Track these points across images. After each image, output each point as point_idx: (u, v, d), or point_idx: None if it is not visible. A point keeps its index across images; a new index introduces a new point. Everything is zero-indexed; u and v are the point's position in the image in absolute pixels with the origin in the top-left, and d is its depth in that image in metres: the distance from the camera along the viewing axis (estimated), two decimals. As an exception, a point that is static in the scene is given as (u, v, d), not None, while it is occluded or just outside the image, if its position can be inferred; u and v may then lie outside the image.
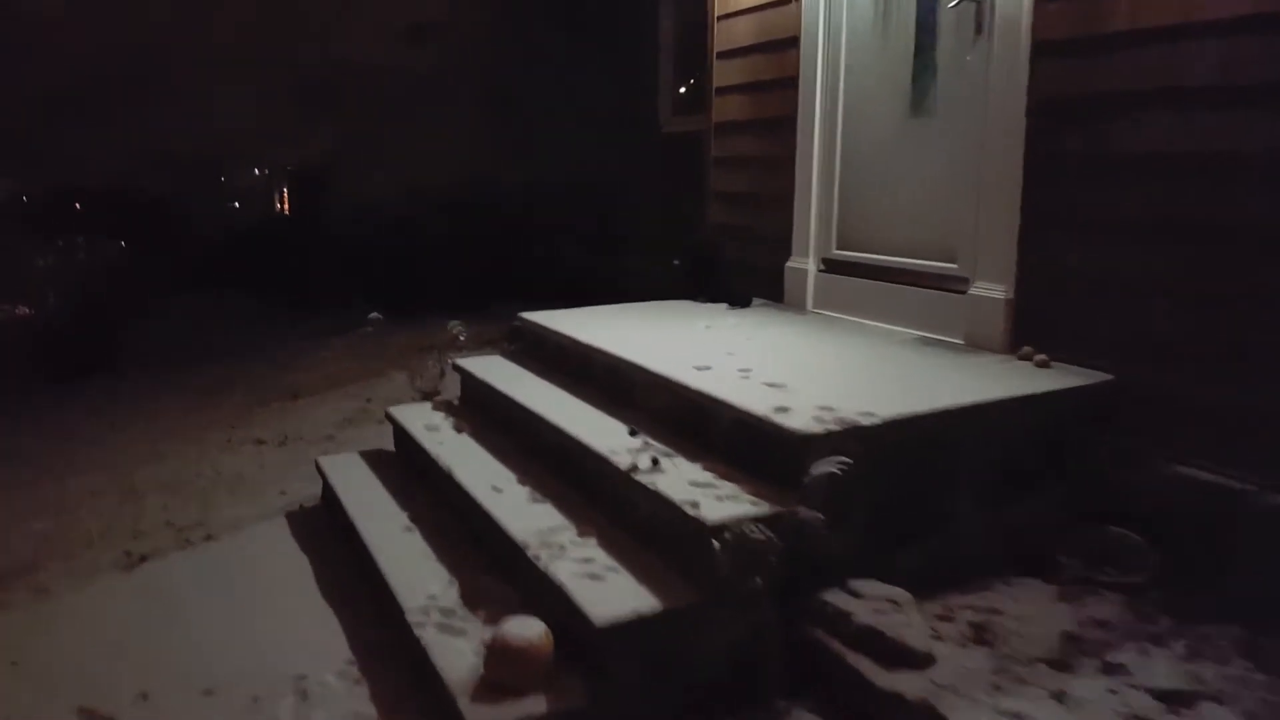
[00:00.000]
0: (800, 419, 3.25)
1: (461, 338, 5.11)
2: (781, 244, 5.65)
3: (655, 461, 3.36)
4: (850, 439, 3.20)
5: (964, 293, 4.49)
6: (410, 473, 4.58)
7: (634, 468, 3.35)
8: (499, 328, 9.16)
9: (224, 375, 8.62)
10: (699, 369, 3.93)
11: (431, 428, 4.63)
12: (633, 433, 3.67)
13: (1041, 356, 4.09)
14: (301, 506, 4.99)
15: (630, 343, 4.42)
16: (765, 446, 3.31)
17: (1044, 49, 4.09)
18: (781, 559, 2.96)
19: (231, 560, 4.28)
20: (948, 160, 4.68)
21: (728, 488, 3.21)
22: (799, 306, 5.51)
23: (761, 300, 5.70)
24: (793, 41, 5.47)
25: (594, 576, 3.07)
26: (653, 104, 8.81)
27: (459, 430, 4.57)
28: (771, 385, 3.68)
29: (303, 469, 5.59)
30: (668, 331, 4.84)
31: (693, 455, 3.50)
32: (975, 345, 4.41)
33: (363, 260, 11.92)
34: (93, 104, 12.18)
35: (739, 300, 5.60)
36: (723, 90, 6.22)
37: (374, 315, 4.97)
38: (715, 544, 2.90)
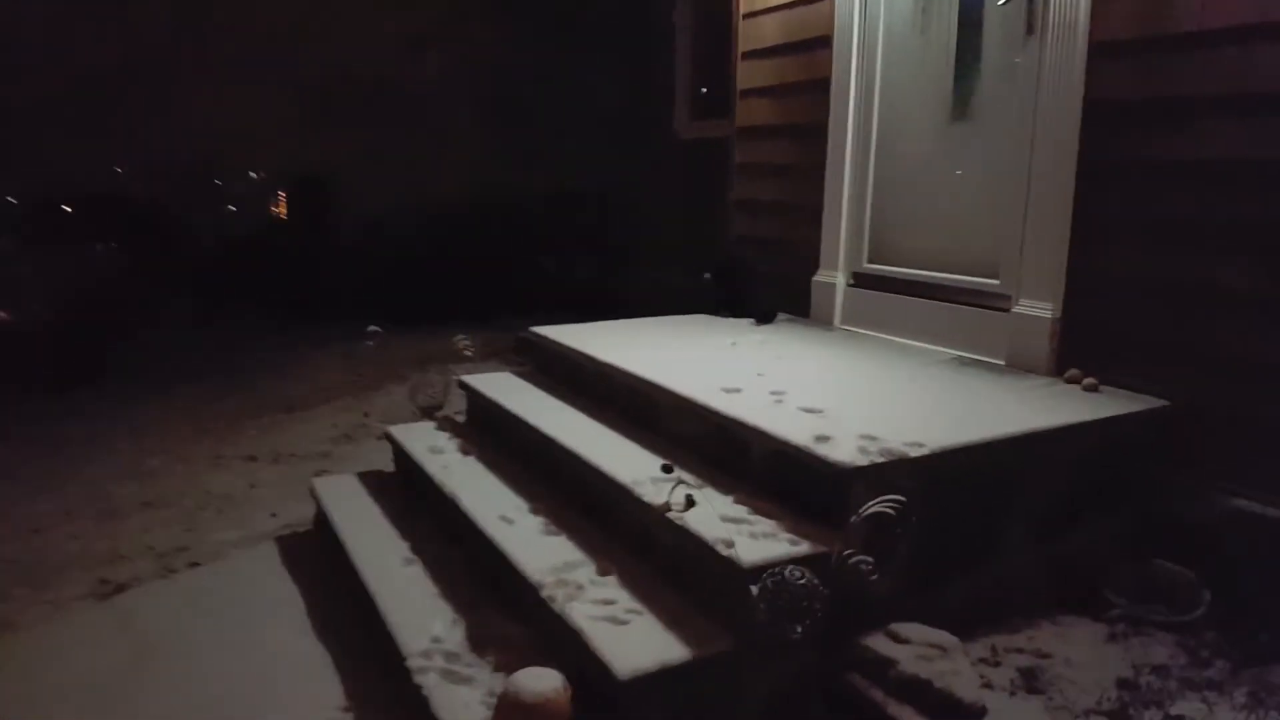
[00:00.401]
0: (844, 450, 2.94)
1: (468, 352, 4.80)
2: (809, 256, 5.34)
3: (690, 501, 3.02)
4: (898, 472, 2.90)
5: (1007, 310, 4.19)
6: (411, 498, 4.26)
7: (667, 507, 3.01)
8: (505, 340, 8.89)
9: (217, 387, 8.30)
10: (728, 391, 3.62)
11: (435, 449, 4.31)
12: (667, 469, 3.31)
13: (1091, 380, 3.80)
14: (294, 531, 4.67)
15: (652, 361, 4.12)
16: (805, 479, 3.00)
17: (1103, 50, 3.79)
18: (825, 603, 2.65)
19: (216, 591, 3.96)
20: (991, 169, 4.38)
21: (764, 524, 2.90)
22: (826, 322, 5.21)
23: (786, 315, 5.39)
24: (824, 41, 5.17)
25: (615, 620, 2.77)
26: (668, 109, 8.49)
27: (465, 453, 4.26)
28: (808, 411, 3.36)
29: (296, 489, 5.27)
30: (691, 349, 4.53)
31: (724, 486, 3.19)
32: (1018, 367, 4.10)
33: (364, 270, 11.65)
34: (88, 110, 11.94)
35: (763, 315, 5.29)
36: (748, 93, 5.92)
37: (374, 328, 4.66)
38: (753, 589, 2.59)
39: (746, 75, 5.91)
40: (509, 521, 3.46)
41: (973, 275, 4.43)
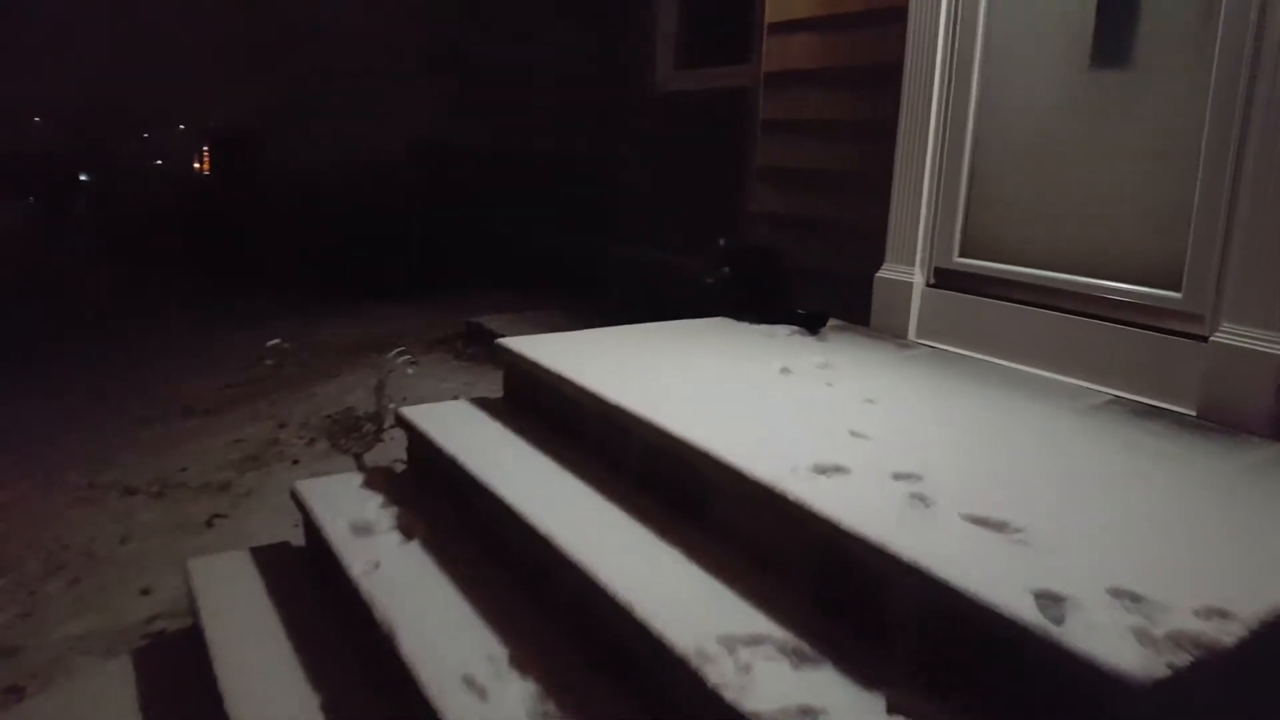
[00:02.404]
0: (1104, 632, 1.62)
1: (410, 369, 3.41)
2: (868, 245, 4.00)
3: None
4: (1207, 678, 1.58)
5: (1201, 339, 2.89)
6: (327, 601, 2.88)
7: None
8: (453, 323, 7.50)
9: (101, 382, 6.79)
10: (823, 472, 2.29)
11: (361, 527, 2.93)
12: None
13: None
14: (163, 631, 3.31)
15: (681, 401, 2.79)
16: (1026, 676, 1.68)
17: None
18: None
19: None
20: (1164, 131, 3.08)
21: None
22: (896, 334, 3.88)
23: (836, 321, 4.06)
24: (900, -49, 3.80)
25: None
26: (647, 57, 6.92)
27: (406, 534, 2.89)
28: (981, 523, 2.04)
29: (181, 542, 4.00)
30: (727, 377, 3.19)
31: (851, 658, 1.86)
32: (1218, 420, 2.81)
33: (295, 235, 10.28)
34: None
35: (808, 322, 3.96)
36: (781, 27, 4.53)
37: (275, 343, 3.24)
38: None
39: (780, 4, 4.51)
40: (478, 692, 2.10)
41: (1135, 283, 3.12)
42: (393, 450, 4.29)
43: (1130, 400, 3.04)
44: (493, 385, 5.84)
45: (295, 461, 4.95)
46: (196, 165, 15.93)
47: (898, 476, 2.28)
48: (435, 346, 7.12)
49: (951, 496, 2.16)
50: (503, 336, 6.23)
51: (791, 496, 2.13)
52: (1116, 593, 1.74)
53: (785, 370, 3.27)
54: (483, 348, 6.72)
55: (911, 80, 3.76)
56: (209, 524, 4.29)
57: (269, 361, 3.58)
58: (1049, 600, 1.70)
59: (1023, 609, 1.67)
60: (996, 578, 1.77)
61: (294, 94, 11.09)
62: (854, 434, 2.58)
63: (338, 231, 10.23)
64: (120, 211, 12.46)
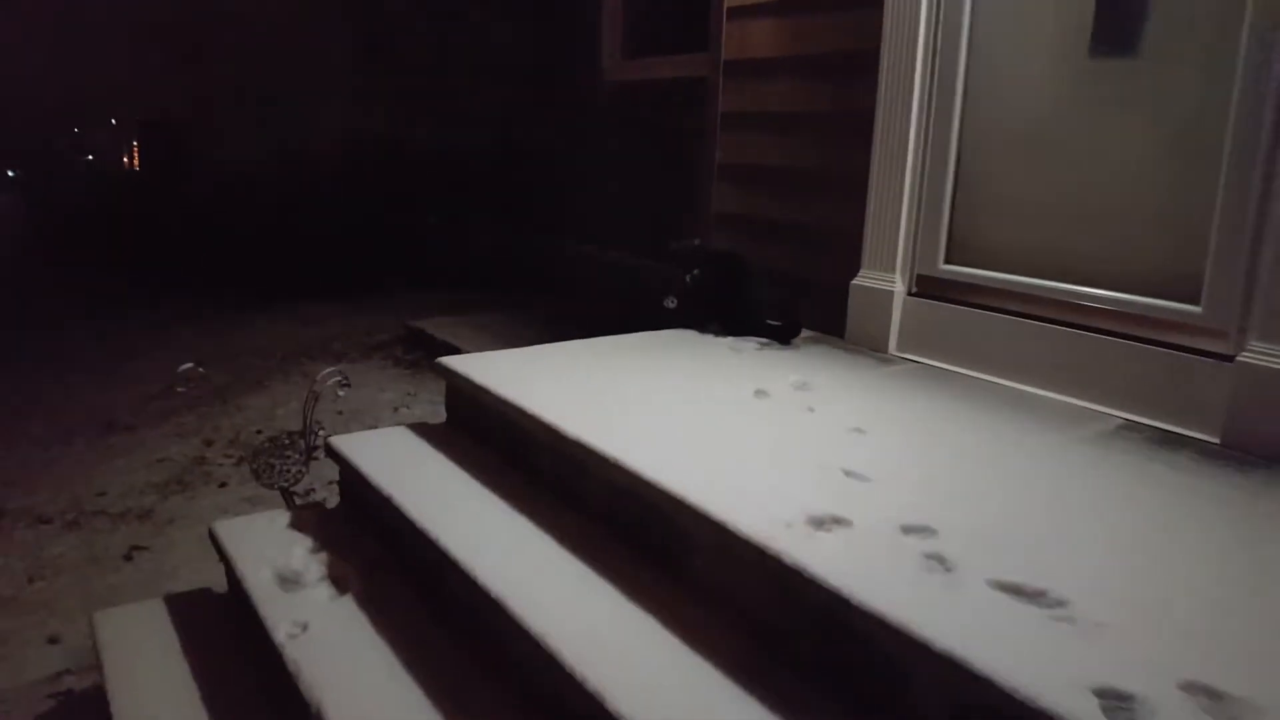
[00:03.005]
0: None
1: (341, 391, 3.04)
2: (842, 248, 3.70)
3: None
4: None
5: (1225, 358, 2.61)
6: (249, 666, 2.51)
7: None
8: (392, 325, 7.13)
9: (12, 395, 6.30)
10: (820, 526, 1.98)
11: (287, 578, 2.57)
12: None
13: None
14: (69, 693, 2.94)
15: (648, 434, 2.47)
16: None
17: None
18: None
19: None
20: (1178, 124, 2.81)
21: None
22: (875, 346, 3.58)
23: (809, 333, 3.75)
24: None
25: None
26: (592, 47, 6.52)
27: (337, 585, 2.53)
28: (1012, 591, 1.73)
29: (95, 581, 3.66)
30: (697, 402, 2.86)
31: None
32: (1244, 448, 2.54)
33: (228, 231, 9.84)
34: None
35: (779, 334, 3.65)
36: (741, 11, 4.20)
37: (188, 367, 2.85)
38: None
39: (741, -15, 4.19)
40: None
41: (1145, 294, 2.85)
42: (327, 471, 3.93)
43: (1143, 425, 2.77)
44: (435, 395, 5.47)
45: (223, 485, 4.58)
46: (126, 160, 15.34)
47: (907, 530, 1.97)
48: (373, 352, 6.73)
49: (973, 556, 1.85)
50: (444, 340, 5.92)
51: (789, 560, 1.82)
52: (1190, 688, 1.44)
53: (761, 393, 2.95)
54: (424, 353, 6.35)
55: (890, 69, 3.46)
56: (128, 557, 3.90)
57: (180, 389, 3.17)
58: (1115, 702, 1.41)
59: (1086, 716, 1.37)
60: (1047, 670, 1.47)
61: (226, 86, 10.60)
62: (848, 474, 2.27)
63: (271, 228, 9.78)
64: (48, 208, 11.90)
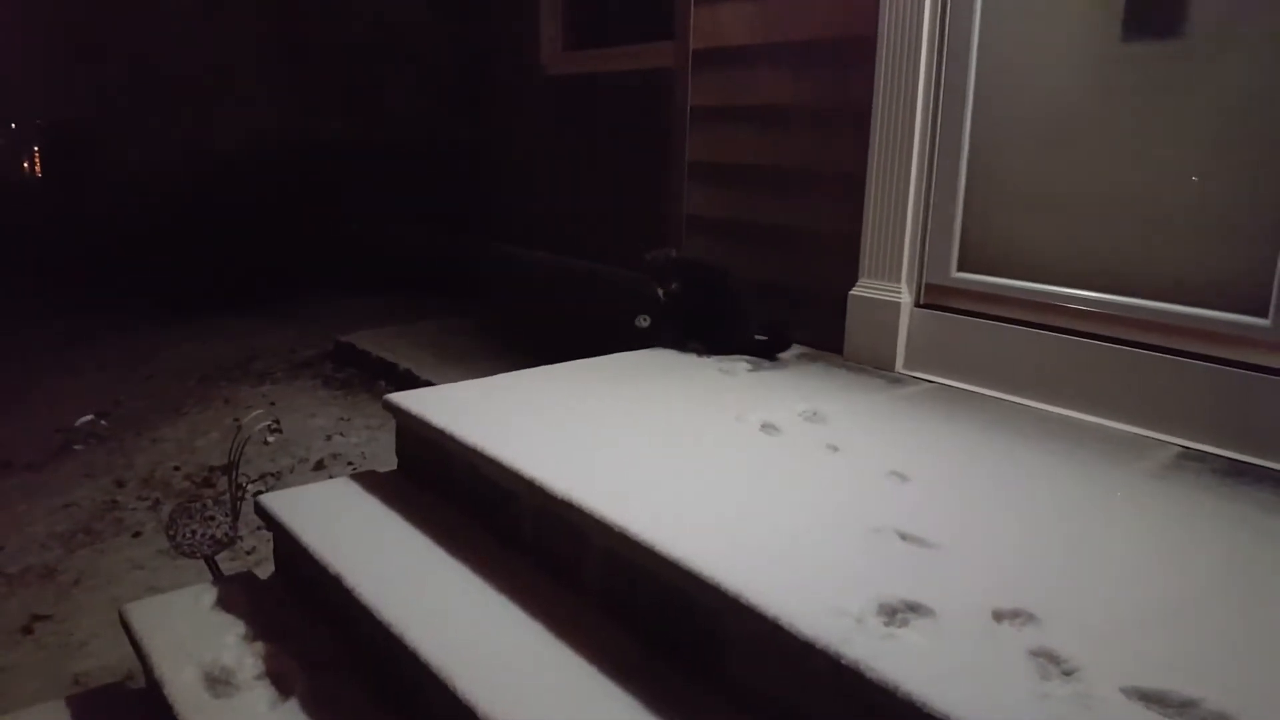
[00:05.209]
0: None
1: (269, 439, 2.58)
2: (836, 255, 3.33)
3: None
4: None
5: (1301, 377, 2.29)
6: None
7: None
8: (319, 340, 6.62)
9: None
10: (892, 616, 1.59)
11: (217, 678, 2.12)
12: None
13: None
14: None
15: (649, 486, 2.08)
16: None
17: None
18: None
19: None
20: (1231, 114, 2.47)
21: None
22: (880, 364, 3.20)
23: (800, 348, 3.37)
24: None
25: None
26: (527, 38, 6.00)
27: (278, 685, 2.08)
28: (1155, 701, 1.38)
29: None
30: (698, 440, 2.45)
31: None
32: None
33: (138, 240, 9.23)
34: None
35: (766, 350, 3.26)
36: (714, -4, 3.80)
37: (87, 420, 2.37)
38: None
39: (712, -32, 3.79)
40: None
41: (1198, 305, 2.51)
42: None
43: (1204, 453, 2.43)
44: (370, 419, 4.98)
45: (136, 534, 4.05)
46: (27, 166, 14.53)
47: (999, 616, 1.59)
48: (300, 371, 6.20)
49: (1091, 651, 1.48)
50: (379, 356, 5.42)
51: (873, 676, 1.42)
52: None
53: (769, 427, 2.56)
54: (355, 371, 5.86)
55: (890, 54, 3.08)
56: (27, 630, 3.37)
57: (78, 447, 2.68)
58: None
59: None
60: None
61: (131, 86, 9.95)
62: (904, 537, 1.88)
63: (184, 236, 9.18)
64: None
